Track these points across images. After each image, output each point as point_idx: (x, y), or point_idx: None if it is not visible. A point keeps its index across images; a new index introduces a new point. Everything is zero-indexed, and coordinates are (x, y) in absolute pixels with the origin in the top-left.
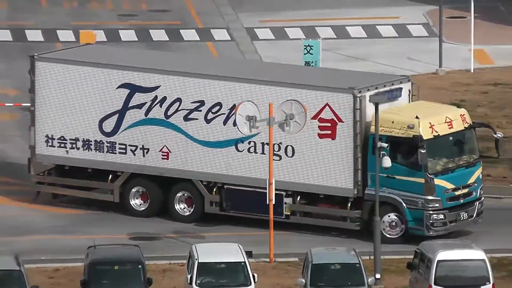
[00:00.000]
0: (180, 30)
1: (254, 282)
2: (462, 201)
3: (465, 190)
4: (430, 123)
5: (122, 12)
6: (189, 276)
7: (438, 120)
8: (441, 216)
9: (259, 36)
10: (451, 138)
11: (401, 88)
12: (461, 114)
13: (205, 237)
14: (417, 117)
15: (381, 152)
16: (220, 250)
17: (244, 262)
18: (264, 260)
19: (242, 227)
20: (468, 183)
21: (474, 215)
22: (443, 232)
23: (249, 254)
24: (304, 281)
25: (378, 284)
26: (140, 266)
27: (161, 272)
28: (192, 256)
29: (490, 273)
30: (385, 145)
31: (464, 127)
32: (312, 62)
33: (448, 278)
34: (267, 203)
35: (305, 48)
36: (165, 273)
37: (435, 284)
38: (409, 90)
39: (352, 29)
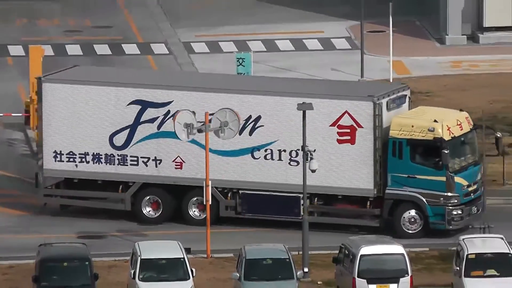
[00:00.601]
0: (122, 45)
1: (193, 276)
2: (473, 196)
3: (475, 187)
4: (447, 125)
5: (69, 28)
6: (132, 271)
7: (452, 122)
8: (459, 211)
9: (195, 49)
10: (462, 139)
11: (406, 95)
12: (466, 117)
13: (148, 235)
14: (435, 121)
15: (309, 156)
16: (161, 247)
17: (183, 258)
18: (202, 256)
19: (182, 225)
20: (477, 179)
21: (481, 209)
22: (461, 226)
23: (187, 250)
24: (238, 275)
25: (306, 277)
26: (87, 263)
27: (107, 268)
28: (135, 253)
29: (409, 266)
30: (312, 149)
31: (470, 129)
32: (244, 73)
33: (370, 271)
34: (282, 205)
35: (237, 61)
36: (111, 269)
37: (358, 276)
38: (408, 97)
39: (280, 42)
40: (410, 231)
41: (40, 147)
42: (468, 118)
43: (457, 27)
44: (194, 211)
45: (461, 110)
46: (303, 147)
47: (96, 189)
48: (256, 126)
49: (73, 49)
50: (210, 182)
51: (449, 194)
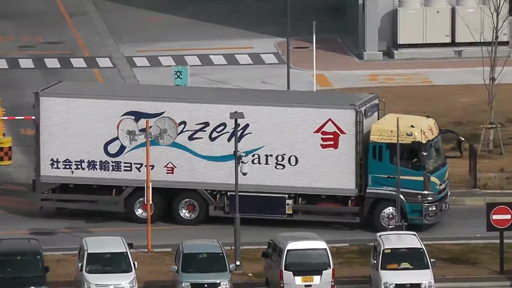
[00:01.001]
0: (70, 59)
1: (135, 269)
2: (442, 194)
3: (443, 186)
4: (422, 130)
5: (22, 44)
6: (80, 265)
7: (425, 128)
8: (434, 208)
9: (136, 63)
10: (435, 142)
11: (377, 104)
12: (433, 123)
13: (93, 232)
14: (412, 126)
15: (241, 161)
16: (106, 242)
17: (126, 252)
18: (143, 251)
19: (125, 222)
20: (445, 179)
21: (448, 206)
22: (434, 221)
23: (130, 245)
24: (176, 267)
25: (238, 270)
26: (38, 257)
27: (56, 261)
28: (82, 247)
29: (331, 260)
30: (244, 154)
31: (438, 133)
32: (181, 85)
33: (296, 264)
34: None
35: (175, 74)
36: (60, 262)
37: (285, 269)
38: (377, 106)
39: (214, 57)
40: (389, 226)
41: (37, 156)
42: (435, 123)
43: (374, 44)
44: (184, 212)
45: (428, 116)
46: (235, 152)
47: (90, 193)
48: (244, 134)
49: (26, 63)
50: (150, 183)
51: (426, 192)
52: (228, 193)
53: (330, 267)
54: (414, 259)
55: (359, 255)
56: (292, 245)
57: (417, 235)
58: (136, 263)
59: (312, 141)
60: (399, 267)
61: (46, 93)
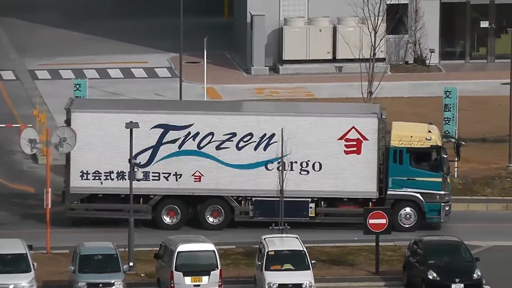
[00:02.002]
0: None
1: (34, 269)
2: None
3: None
4: (438, 135)
5: None
6: None
7: (437, 133)
8: (448, 207)
9: (38, 76)
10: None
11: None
12: (437, 129)
13: None
14: (430, 131)
15: (135, 167)
16: (6, 244)
17: (26, 253)
18: (42, 252)
19: (27, 226)
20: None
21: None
22: (447, 219)
23: (30, 247)
24: (73, 268)
25: (131, 270)
26: None
27: None
28: None
29: (218, 261)
30: (138, 162)
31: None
32: (81, 97)
33: (185, 265)
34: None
35: (75, 86)
36: None
37: (175, 270)
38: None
39: (111, 71)
40: (406, 226)
41: (67, 168)
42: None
43: (261, 59)
44: (210, 218)
45: (430, 123)
46: (129, 160)
47: (118, 202)
48: (270, 142)
49: None
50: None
51: (443, 192)
52: (253, 199)
53: (218, 268)
54: (296, 260)
55: (245, 256)
56: (182, 247)
57: (299, 238)
58: (35, 263)
59: (336, 148)
60: (282, 268)
61: (78, 108)
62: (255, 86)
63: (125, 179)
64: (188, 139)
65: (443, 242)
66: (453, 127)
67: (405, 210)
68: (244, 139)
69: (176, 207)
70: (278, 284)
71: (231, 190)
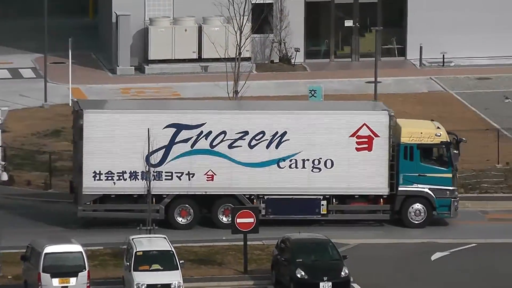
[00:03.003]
0: None
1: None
2: None
3: None
4: (446, 131)
5: None
6: None
7: (444, 130)
8: (456, 203)
9: None
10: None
11: None
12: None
13: None
14: (438, 128)
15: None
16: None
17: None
18: None
19: None
20: None
21: None
22: (456, 215)
23: None
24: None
25: None
26: None
27: None
28: None
29: (86, 262)
30: None
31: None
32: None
33: (53, 267)
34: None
35: None
36: None
37: (43, 271)
38: None
39: None
40: (416, 222)
41: (80, 169)
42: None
43: (126, 59)
44: (221, 217)
45: (432, 120)
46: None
47: (130, 202)
48: (282, 140)
49: None
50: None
51: (452, 188)
52: (265, 197)
53: (86, 269)
54: (164, 260)
55: (112, 257)
56: (49, 249)
57: (167, 238)
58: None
59: (348, 145)
60: (150, 269)
61: (90, 109)
62: (121, 86)
63: (138, 179)
64: (201, 138)
65: (311, 240)
66: None
67: (415, 206)
68: (256, 138)
69: (189, 206)
70: (147, 284)
71: (244, 189)
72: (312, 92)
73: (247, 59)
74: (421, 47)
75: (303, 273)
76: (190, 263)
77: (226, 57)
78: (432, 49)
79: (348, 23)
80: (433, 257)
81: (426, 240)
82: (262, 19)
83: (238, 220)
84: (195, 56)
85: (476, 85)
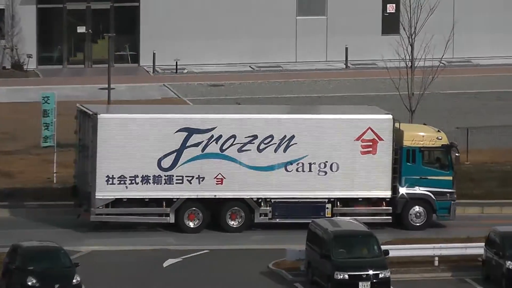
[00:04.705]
0: None
1: None
2: None
3: None
4: (445, 135)
5: None
6: None
7: (444, 133)
8: (455, 206)
9: None
10: None
11: None
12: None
13: None
14: (439, 131)
15: None
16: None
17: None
18: None
19: None
20: None
21: None
22: (454, 218)
23: None
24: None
25: None
26: None
27: None
28: None
29: None
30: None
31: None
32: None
33: None
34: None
35: None
36: None
37: None
38: None
39: None
40: (416, 224)
41: (93, 173)
42: None
43: None
44: (230, 220)
45: (424, 124)
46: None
47: (141, 206)
48: (290, 144)
49: None
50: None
51: (451, 190)
52: (272, 200)
53: None
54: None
55: None
56: None
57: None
58: None
59: (353, 149)
60: None
61: (103, 113)
62: None
63: (150, 183)
64: (211, 142)
65: (43, 248)
66: (52, 132)
67: (415, 208)
68: (265, 141)
69: (198, 210)
70: None
71: (252, 192)
72: (45, 99)
73: None
74: (154, 54)
75: (34, 281)
76: None
77: None
78: (166, 56)
79: (81, 29)
80: (165, 264)
81: (159, 247)
82: None
83: None
84: None
85: (209, 91)
